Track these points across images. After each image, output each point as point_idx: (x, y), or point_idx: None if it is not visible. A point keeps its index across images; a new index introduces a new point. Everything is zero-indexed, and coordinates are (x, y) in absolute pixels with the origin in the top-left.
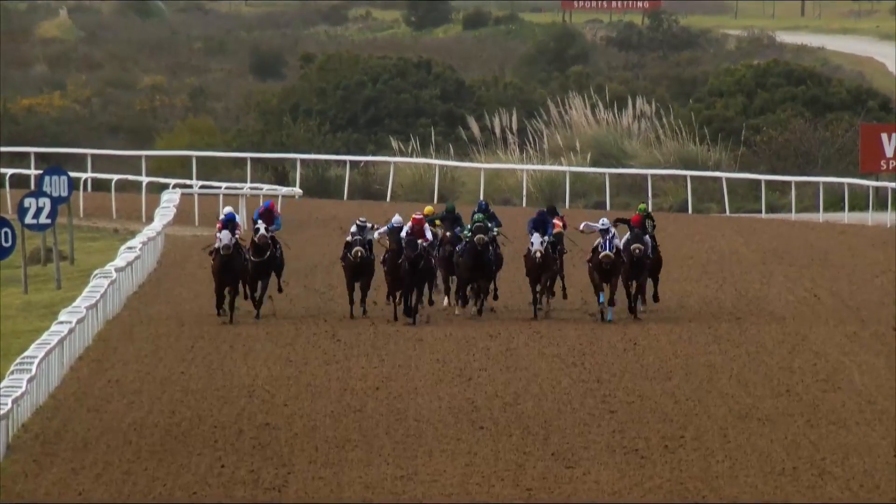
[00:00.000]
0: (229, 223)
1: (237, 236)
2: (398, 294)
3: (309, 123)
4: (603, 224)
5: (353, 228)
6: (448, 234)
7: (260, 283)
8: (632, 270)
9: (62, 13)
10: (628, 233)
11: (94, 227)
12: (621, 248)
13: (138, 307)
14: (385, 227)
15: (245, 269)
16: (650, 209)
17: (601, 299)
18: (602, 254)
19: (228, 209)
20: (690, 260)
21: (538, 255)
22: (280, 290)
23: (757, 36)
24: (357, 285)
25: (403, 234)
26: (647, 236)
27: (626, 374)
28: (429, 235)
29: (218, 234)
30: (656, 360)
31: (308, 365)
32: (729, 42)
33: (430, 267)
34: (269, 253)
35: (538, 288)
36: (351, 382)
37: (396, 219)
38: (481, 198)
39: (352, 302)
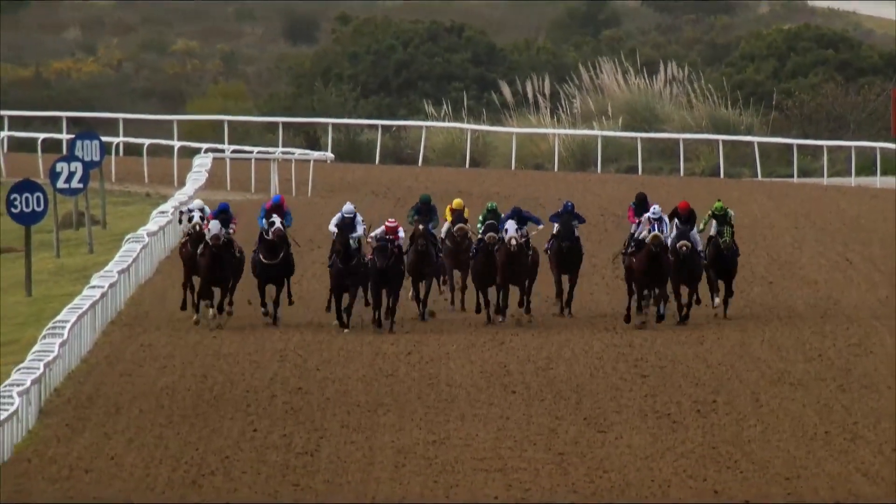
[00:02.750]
0: (221, 214)
1: (231, 230)
2: (343, 298)
3: (341, 88)
4: (654, 213)
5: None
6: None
7: (275, 288)
8: (680, 272)
9: None
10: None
11: (126, 191)
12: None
13: (170, 271)
14: (334, 221)
15: (237, 268)
16: (682, 172)
17: (639, 306)
18: (652, 234)
19: (201, 205)
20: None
21: (513, 242)
22: (290, 299)
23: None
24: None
25: (374, 234)
26: (703, 234)
27: (658, 339)
28: (401, 235)
29: (208, 226)
30: (688, 325)
31: (340, 329)
32: (761, 6)
33: (401, 270)
34: (282, 254)
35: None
36: (383, 347)
37: (347, 208)
38: (513, 163)
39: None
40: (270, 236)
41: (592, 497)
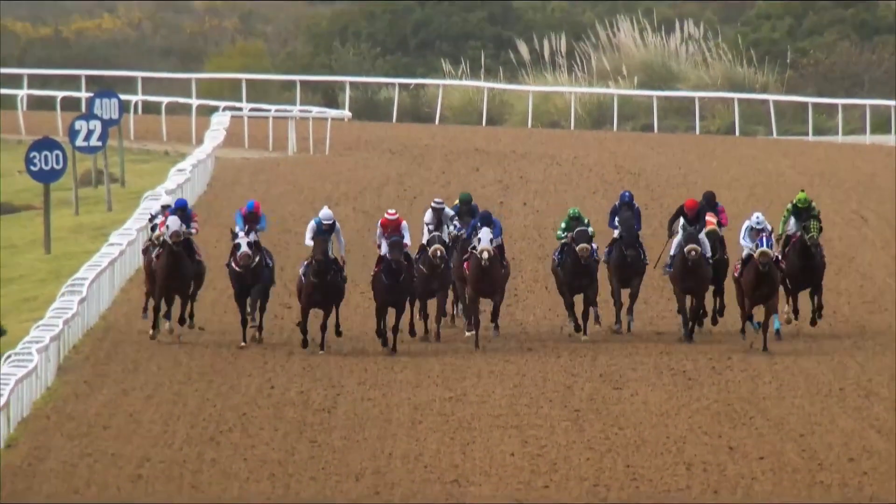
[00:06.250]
0: (179, 211)
1: (193, 230)
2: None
3: (360, 47)
4: (758, 222)
5: (427, 216)
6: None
7: (250, 301)
8: (685, 281)
9: None
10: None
11: (145, 149)
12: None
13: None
14: (313, 224)
15: (199, 273)
16: (697, 130)
17: (755, 325)
18: (759, 251)
19: (169, 202)
20: (737, 182)
21: (486, 255)
22: (259, 328)
23: None
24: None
25: (378, 235)
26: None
27: (674, 297)
28: (406, 239)
29: (166, 222)
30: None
31: (357, 286)
32: None
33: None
34: (256, 260)
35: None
36: None
37: (325, 213)
38: (529, 121)
39: (424, 320)
40: (238, 260)
41: (608, 454)
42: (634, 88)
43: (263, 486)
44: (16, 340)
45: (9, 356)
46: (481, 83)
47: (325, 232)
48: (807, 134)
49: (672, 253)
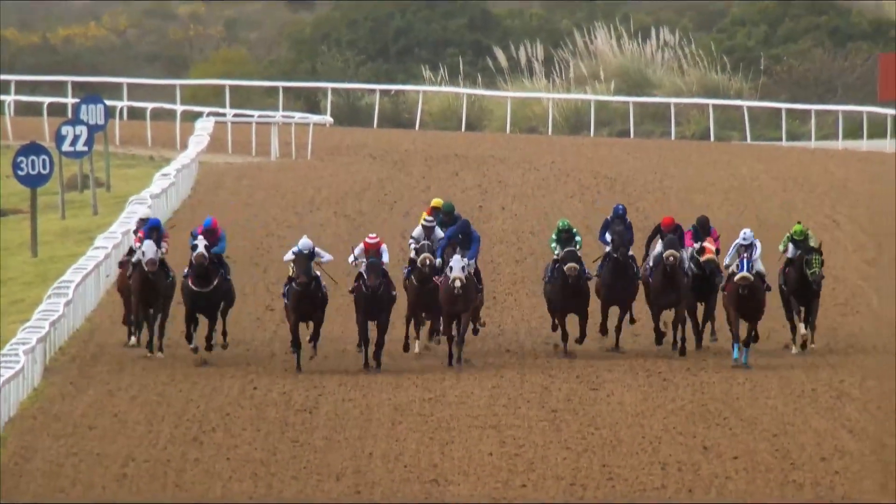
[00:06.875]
0: (152, 231)
1: (163, 250)
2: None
3: (344, 53)
4: (745, 238)
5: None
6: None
7: (207, 318)
8: (667, 292)
9: None
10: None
11: (130, 154)
12: (681, 263)
13: (173, 233)
14: (291, 253)
15: (169, 291)
16: (673, 135)
17: (735, 354)
18: (738, 275)
19: (148, 215)
20: (712, 187)
21: (458, 284)
22: (224, 336)
23: None
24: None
25: (355, 253)
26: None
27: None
28: (385, 258)
29: (140, 246)
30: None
31: (339, 289)
32: None
33: (392, 295)
34: (216, 281)
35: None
36: None
37: (304, 243)
38: (508, 127)
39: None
40: (194, 260)
41: (585, 453)
42: (611, 94)
43: (246, 486)
44: (3, 342)
45: None
46: (460, 89)
47: (307, 258)
48: (780, 139)
49: (650, 264)
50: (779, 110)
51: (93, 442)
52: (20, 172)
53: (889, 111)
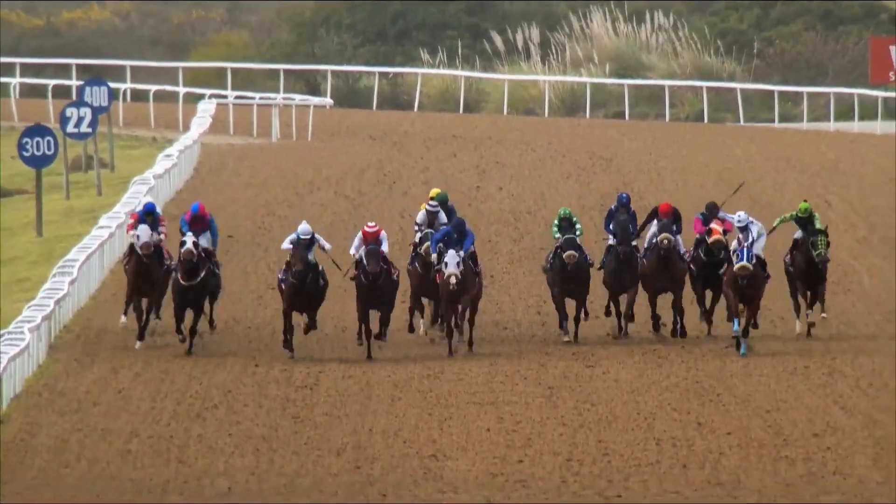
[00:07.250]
0: (148, 216)
1: (161, 235)
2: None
3: (342, 36)
4: (739, 220)
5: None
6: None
7: (192, 312)
8: (661, 277)
9: None
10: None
11: (133, 135)
12: (678, 247)
13: (176, 213)
14: (293, 237)
15: (163, 279)
16: (667, 117)
17: (735, 326)
18: (737, 265)
19: (148, 199)
20: (706, 168)
21: (453, 280)
22: (211, 323)
23: None
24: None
25: (355, 244)
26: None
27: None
28: (384, 247)
29: (135, 232)
30: None
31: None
32: None
33: (393, 282)
34: (202, 274)
35: (454, 319)
36: None
37: (303, 228)
38: (505, 108)
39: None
40: (183, 256)
41: (580, 429)
42: (606, 77)
43: (248, 461)
44: (9, 320)
45: (2, 335)
46: (458, 72)
47: (305, 247)
48: (773, 121)
49: (645, 246)
50: (771, 92)
51: (97, 418)
52: (25, 153)
53: (880, 93)
